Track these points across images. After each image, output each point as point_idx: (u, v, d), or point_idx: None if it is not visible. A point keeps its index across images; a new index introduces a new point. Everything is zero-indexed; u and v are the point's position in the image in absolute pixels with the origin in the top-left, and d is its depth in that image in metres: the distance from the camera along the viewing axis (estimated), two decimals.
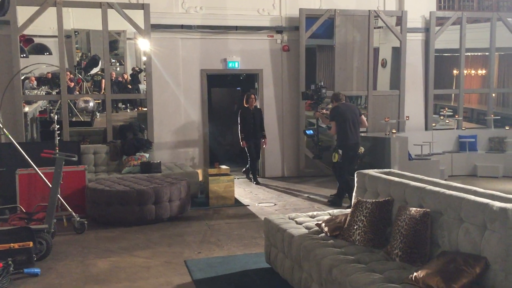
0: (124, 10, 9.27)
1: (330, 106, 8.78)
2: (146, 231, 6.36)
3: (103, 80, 10.29)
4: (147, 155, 8.74)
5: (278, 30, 10.43)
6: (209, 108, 10.60)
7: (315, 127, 9.38)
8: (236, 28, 10.15)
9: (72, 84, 10.44)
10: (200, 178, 8.91)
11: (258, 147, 9.90)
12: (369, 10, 10.56)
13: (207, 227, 6.56)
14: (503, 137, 10.52)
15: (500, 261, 2.75)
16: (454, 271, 2.86)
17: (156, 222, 6.71)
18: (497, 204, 2.84)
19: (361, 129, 8.35)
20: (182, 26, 9.90)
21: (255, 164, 10.00)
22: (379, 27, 11.62)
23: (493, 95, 11.95)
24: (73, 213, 6.27)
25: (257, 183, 9.78)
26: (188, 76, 10.12)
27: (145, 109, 10.05)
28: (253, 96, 9.71)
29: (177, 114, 10.10)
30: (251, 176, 10.01)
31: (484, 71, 12.76)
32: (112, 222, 6.64)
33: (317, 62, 13.23)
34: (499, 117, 11.67)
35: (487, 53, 11.72)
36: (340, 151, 7.57)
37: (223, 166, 8.40)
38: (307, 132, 9.57)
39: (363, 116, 7.98)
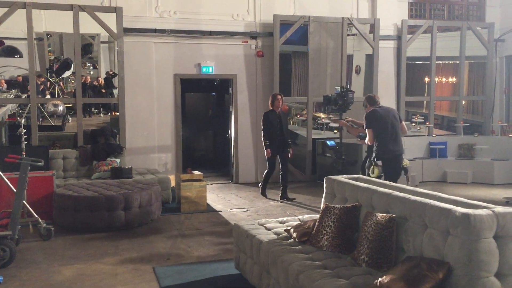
0: (96, 13, 9.16)
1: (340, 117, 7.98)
2: (114, 237, 6.25)
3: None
4: (118, 160, 8.61)
5: (253, 35, 10.45)
6: (182, 113, 10.53)
7: (338, 138, 8.30)
8: (210, 33, 10.13)
9: (42, 86, 10.23)
10: (173, 184, 8.82)
11: (284, 158, 8.58)
12: (343, 18, 10.68)
13: (178, 233, 6.48)
14: (472, 144, 10.73)
15: (462, 266, 2.78)
16: (418, 276, 2.87)
17: (125, 229, 6.59)
18: (460, 209, 2.87)
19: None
20: (155, 30, 9.82)
21: (269, 176, 8.77)
22: (353, 35, 11.74)
23: (463, 102, 12.20)
24: (39, 220, 6.12)
25: (288, 198, 8.52)
26: (161, 81, 10.04)
27: (118, 113, 9.92)
28: (279, 96, 8.53)
29: (150, 119, 10.00)
30: (278, 193, 8.71)
31: (454, 79, 12.99)
32: (80, 229, 6.50)
33: (291, 68, 13.28)
34: (468, 124, 11.91)
35: (457, 62, 11.96)
36: (380, 163, 6.44)
37: (196, 172, 8.34)
38: (329, 143, 8.40)
39: (403, 122, 6.89)
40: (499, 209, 2.85)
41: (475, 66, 12.95)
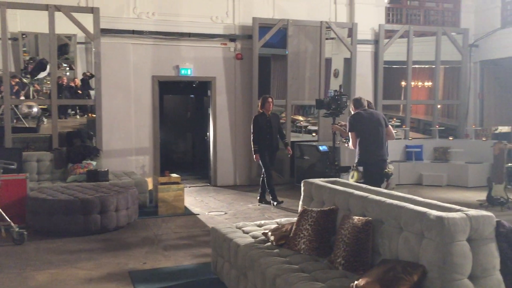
0: (72, 13, 9.03)
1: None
2: (90, 241, 6.15)
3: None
4: (94, 163, 8.49)
5: (232, 38, 10.44)
6: (161, 115, 10.45)
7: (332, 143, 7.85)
8: (189, 35, 10.08)
9: (16, 88, 10.03)
10: (150, 187, 8.74)
11: (273, 160, 8.49)
12: (321, 21, 10.75)
13: (155, 236, 6.42)
14: (447, 147, 10.91)
15: (436, 269, 2.81)
16: (393, 279, 2.89)
17: (101, 232, 6.50)
18: (434, 213, 2.91)
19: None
20: (133, 32, 9.73)
21: (271, 181, 8.44)
22: (332, 38, 11.84)
23: (438, 106, 12.40)
24: (12, 223, 5.98)
25: (278, 202, 8.31)
26: (139, 83, 9.95)
27: (95, 115, 9.79)
28: (270, 99, 8.32)
29: (127, 121, 9.89)
30: (269, 198, 8.41)
31: (430, 83, 13.21)
32: (55, 233, 6.38)
33: (270, 71, 13.31)
34: (444, 128, 12.12)
35: (433, 66, 12.16)
36: (361, 169, 6.09)
37: (174, 175, 8.27)
38: (321, 148, 8.09)
39: (390, 126, 6.51)
40: (472, 212, 2.90)
41: (450, 70, 13.19)
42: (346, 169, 7.16)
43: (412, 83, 12.19)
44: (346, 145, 7.19)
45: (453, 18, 12.54)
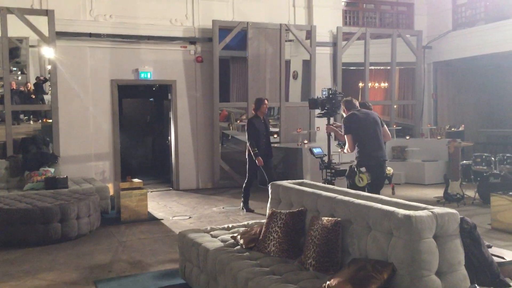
0: (26, 16, 8.74)
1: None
2: (51, 251, 5.96)
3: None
4: (52, 170, 8.23)
5: (192, 41, 10.37)
6: (120, 120, 10.25)
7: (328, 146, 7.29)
8: (148, 38, 9.95)
9: None
10: (111, 193, 8.55)
11: (270, 167, 8.02)
12: (280, 24, 10.85)
13: (119, 244, 6.28)
14: (404, 146, 11.23)
15: (405, 266, 2.88)
16: (364, 278, 2.95)
17: (62, 241, 6.30)
18: (402, 211, 2.98)
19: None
20: (90, 35, 9.51)
21: (250, 188, 8.15)
22: (290, 40, 11.97)
23: (395, 106, 12.75)
24: None
25: (248, 209, 8.00)
26: (97, 87, 9.73)
27: (50, 120, 9.49)
28: (266, 101, 8.03)
29: (85, 126, 9.65)
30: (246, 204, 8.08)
31: (386, 84, 13.57)
32: (13, 243, 6.14)
33: (230, 73, 13.32)
34: (400, 128, 12.47)
35: (388, 67, 12.49)
36: (364, 170, 5.70)
37: (136, 180, 8.13)
38: (315, 150, 7.54)
39: (385, 127, 6.18)
40: (438, 210, 2.99)
41: (405, 71, 13.60)
42: (343, 173, 6.62)
43: (370, 84, 12.48)
44: (340, 150, 6.62)
45: (407, 21, 12.93)
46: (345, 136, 5.91)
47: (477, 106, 13.34)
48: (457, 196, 8.19)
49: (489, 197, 6.88)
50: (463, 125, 12.02)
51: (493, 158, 8.24)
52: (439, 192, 8.94)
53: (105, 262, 5.49)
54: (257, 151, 7.77)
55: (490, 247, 3.27)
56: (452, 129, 11.79)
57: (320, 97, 7.04)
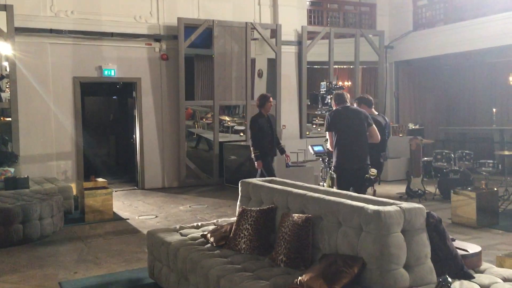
0: None
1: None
2: (13, 253, 5.77)
3: None
4: (12, 169, 7.99)
5: (156, 38, 10.25)
6: (83, 118, 10.03)
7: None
8: (112, 34, 9.77)
9: None
10: (75, 193, 8.36)
11: (272, 167, 7.37)
12: (246, 22, 10.86)
13: (84, 244, 6.16)
14: None
15: (375, 260, 2.95)
16: (335, 273, 3.00)
17: (24, 243, 6.12)
18: (371, 207, 3.05)
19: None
20: (51, 31, 9.26)
21: None
22: (255, 39, 12.00)
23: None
24: None
25: None
26: (59, 84, 9.49)
27: (9, 119, 9.18)
28: (271, 99, 7.45)
29: (47, 124, 9.39)
30: None
31: (350, 83, 13.79)
32: None
33: (195, 71, 13.23)
34: None
35: (352, 66, 12.72)
36: (334, 175, 5.43)
37: (100, 179, 7.99)
38: (315, 148, 7.23)
39: (373, 127, 5.66)
40: (406, 205, 3.08)
41: (368, 70, 13.85)
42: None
43: (334, 83, 12.63)
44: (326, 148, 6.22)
45: (370, 21, 13.19)
46: (327, 133, 5.66)
47: (437, 105, 13.75)
48: (418, 192, 8.43)
49: (449, 193, 7.11)
50: (417, 125, 12.37)
51: (452, 155, 8.51)
52: (401, 188, 9.18)
53: (70, 263, 5.36)
54: (258, 153, 7.06)
55: (454, 240, 3.39)
56: (413, 127, 12.12)
57: (320, 92, 6.71)
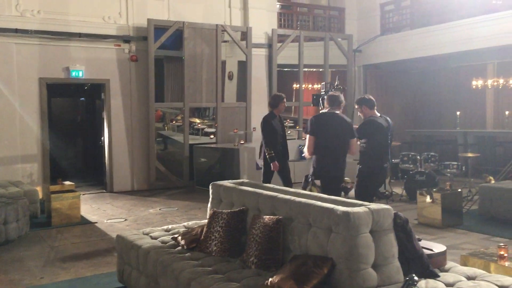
0: None
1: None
2: None
3: None
4: None
5: (126, 39, 10.13)
6: (49, 120, 9.82)
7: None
8: (80, 35, 9.61)
9: None
10: (41, 196, 8.18)
11: (288, 170, 7.01)
12: (217, 25, 10.86)
13: (50, 249, 6.03)
14: None
15: (344, 261, 3.00)
16: (305, 273, 3.04)
17: None
18: (341, 208, 3.11)
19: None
20: (16, 30, 9.04)
21: None
22: (226, 41, 12.01)
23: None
24: None
25: None
26: (24, 85, 9.26)
27: None
28: (285, 99, 7.04)
29: (11, 126, 9.16)
30: None
31: (319, 86, 13.95)
32: None
33: (165, 73, 13.14)
34: None
35: (321, 69, 12.87)
36: (318, 183, 5.38)
37: (67, 182, 7.84)
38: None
39: (355, 140, 5.55)
40: (374, 206, 3.15)
41: (336, 74, 14.03)
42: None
43: (304, 86, 12.78)
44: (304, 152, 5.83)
45: (338, 25, 13.38)
46: (307, 135, 5.53)
47: (404, 107, 14.04)
48: (386, 193, 8.59)
49: (415, 194, 7.28)
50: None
51: (418, 157, 8.71)
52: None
53: (36, 268, 5.25)
54: (273, 154, 6.71)
55: (420, 240, 3.47)
56: None
57: (322, 92, 6.43)
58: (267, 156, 6.75)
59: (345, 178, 5.57)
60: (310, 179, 5.51)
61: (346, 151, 5.48)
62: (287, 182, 6.83)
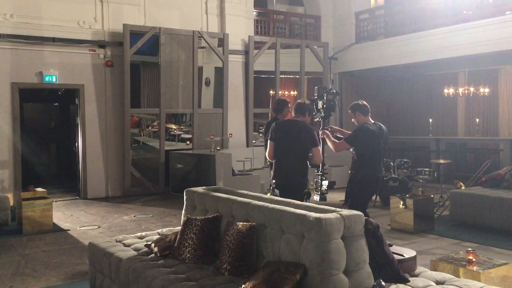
0: None
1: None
2: None
3: None
4: None
5: (101, 44, 10.05)
6: (22, 125, 9.65)
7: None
8: (54, 39, 9.48)
9: None
10: (12, 203, 8.01)
11: None
12: (193, 31, 10.85)
13: (21, 257, 5.90)
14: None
15: (316, 267, 3.03)
16: (278, 280, 3.06)
17: None
18: (313, 214, 3.13)
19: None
20: None
21: None
22: (203, 47, 12.01)
23: None
24: None
25: None
26: None
27: None
28: (290, 105, 6.52)
29: None
30: None
31: (295, 92, 14.04)
32: None
33: (141, 79, 13.07)
34: None
35: (297, 76, 12.97)
36: (277, 192, 5.14)
37: (39, 189, 7.71)
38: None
39: (318, 148, 5.18)
40: (345, 212, 3.18)
41: (313, 81, 14.16)
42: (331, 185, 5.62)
43: (280, 92, 12.86)
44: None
45: (315, 32, 13.52)
46: (268, 141, 5.36)
47: (378, 114, 14.19)
48: None
49: (389, 200, 7.38)
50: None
51: (392, 163, 8.84)
52: (343, 196, 9.39)
53: (6, 277, 5.13)
54: None
55: (391, 245, 3.53)
56: None
57: (315, 97, 5.97)
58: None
59: (309, 187, 5.28)
60: (270, 185, 5.38)
61: (306, 159, 5.21)
62: None
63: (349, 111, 5.76)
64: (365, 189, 5.57)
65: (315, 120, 6.04)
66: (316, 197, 5.61)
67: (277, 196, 4.84)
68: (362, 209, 5.19)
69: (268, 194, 5.04)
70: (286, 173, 5.16)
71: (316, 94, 5.73)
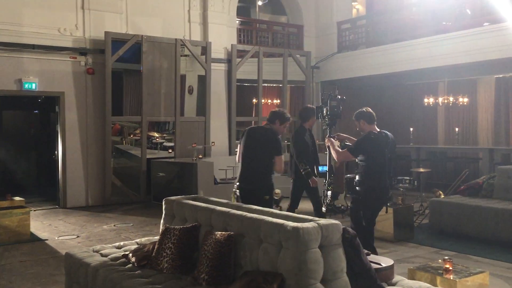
0: None
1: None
2: None
3: None
4: None
5: (82, 52, 9.97)
6: (0, 133, 9.50)
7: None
8: (33, 46, 9.38)
9: None
10: None
11: (317, 189, 6.56)
12: (176, 39, 10.84)
13: None
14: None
15: (293, 276, 3.02)
16: None
17: None
18: (291, 224, 3.13)
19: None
20: None
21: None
22: (186, 55, 12.00)
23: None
24: None
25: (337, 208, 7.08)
26: None
27: None
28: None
29: None
30: None
31: (278, 101, 14.10)
32: None
33: (123, 86, 12.98)
34: (289, 143, 12.97)
35: (280, 85, 13.02)
36: (238, 193, 5.19)
37: (17, 198, 7.57)
38: (320, 168, 6.64)
39: (280, 157, 5.16)
40: (323, 221, 3.19)
41: (295, 89, 14.25)
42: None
43: (263, 101, 12.89)
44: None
45: (297, 42, 13.60)
46: (238, 144, 5.46)
47: None
48: (341, 207, 8.71)
49: None
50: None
51: None
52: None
53: None
54: (309, 169, 6.24)
55: (368, 254, 3.54)
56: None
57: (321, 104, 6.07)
58: (303, 173, 6.26)
59: (276, 190, 5.39)
60: (234, 189, 5.37)
61: (270, 166, 5.19)
62: (316, 202, 6.56)
63: (354, 119, 5.65)
64: (371, 200, 5.46)
65: (323, 128, 6.17)
66: (324, 208, 5.69)
67: (237, 196, 4.97)
68: (370, 220, 5.42)
69: (232, 196, 5.14)
70: (249, 178, 5.20)
71: (322, 102, 5.76)
